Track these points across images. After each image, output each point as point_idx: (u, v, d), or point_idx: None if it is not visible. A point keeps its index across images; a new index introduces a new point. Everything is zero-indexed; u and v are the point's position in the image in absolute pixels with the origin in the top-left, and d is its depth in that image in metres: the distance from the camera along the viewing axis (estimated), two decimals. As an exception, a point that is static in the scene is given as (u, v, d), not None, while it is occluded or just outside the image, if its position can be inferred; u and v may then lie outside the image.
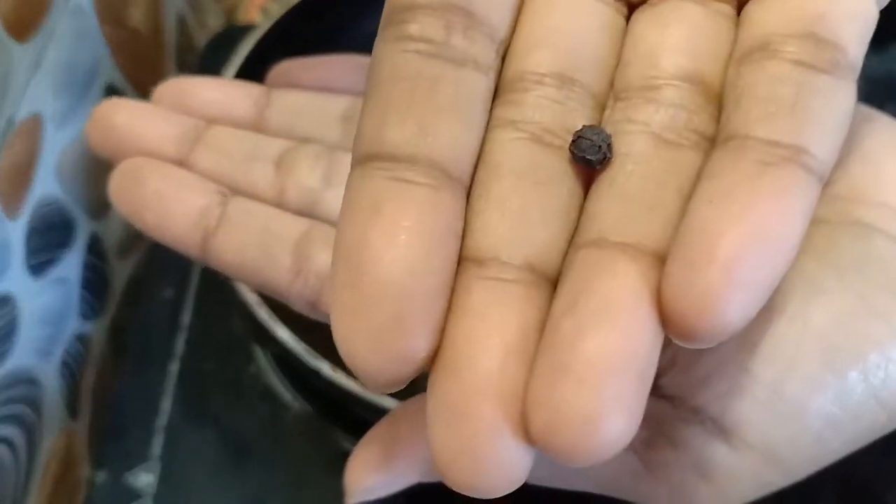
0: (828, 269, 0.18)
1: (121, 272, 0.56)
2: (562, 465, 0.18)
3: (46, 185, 0.45)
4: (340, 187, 0.21)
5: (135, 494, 0.43)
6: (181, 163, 0.23)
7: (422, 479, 0.20)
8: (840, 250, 0.18)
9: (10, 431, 0.41)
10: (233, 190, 0.23)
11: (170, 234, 0.22)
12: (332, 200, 0.23)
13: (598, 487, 0.19)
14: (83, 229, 0.50)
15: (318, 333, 0.48)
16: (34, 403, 0.44)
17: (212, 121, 0.24)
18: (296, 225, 0.22)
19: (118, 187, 0.23)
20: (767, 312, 0.17)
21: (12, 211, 0.41)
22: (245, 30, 0.51)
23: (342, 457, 0.47)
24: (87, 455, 0.51)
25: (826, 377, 0.17)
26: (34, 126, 0.43)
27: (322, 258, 0.21)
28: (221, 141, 0.24)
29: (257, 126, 0.25)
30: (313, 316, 0.23)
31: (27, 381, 0.43)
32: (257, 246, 0.22)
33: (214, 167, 0.23)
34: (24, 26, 0.41)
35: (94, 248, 0.52)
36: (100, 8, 0.50)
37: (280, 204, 0.23)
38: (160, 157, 0.23)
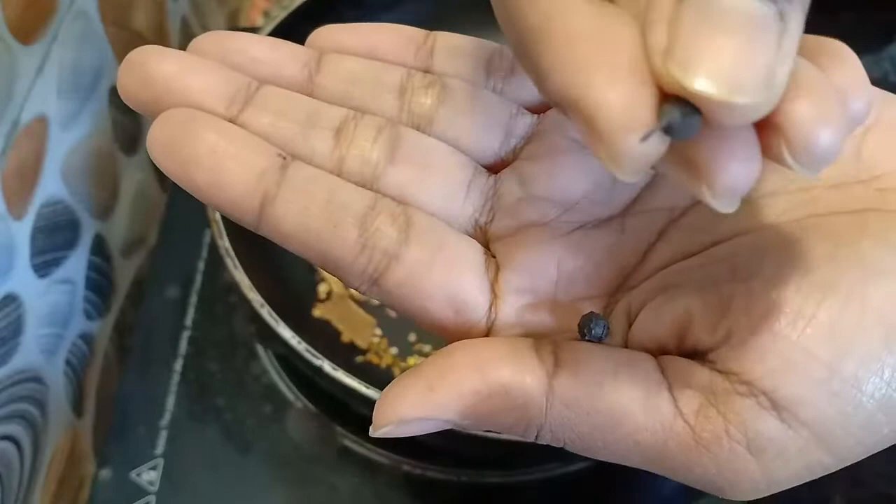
0: (885, 251, 0.18)
1: (125, 272, 0.57)
2: (612, 437, 0.18)
3: (52, 185, 0.45)
4: (404, 164, 0.21)
5: (139, 492, 0.43)
6: (232, 122, 0.21)
7: (458, 422, 0.19)
8: None
9: (15, 429, 0.42)
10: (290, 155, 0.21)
11: (224, 196, 0.20)
12: (395, 177, 0.21)
13: (646, 460, 0.19)
14: (88, 230, 0.50)
15: (319, 333, 0.49)
16: (39, 402, 0.44)
17: (260, 80, 0.22)
18: (361, 197, 0.21)
19: (162, 139, 0.20)
20: (825, 291, 0.17)
21: (18, 211, 0.42)
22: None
23: (343, 454, 0.47)
24: (92, 453, 0.51)
25: (884, 357, 0.17)
26: (40, 128, 0.43)
27: (390, 233, 0.20)
28: (276, 102, 0.22)
29: (307, 90, 0.23)
30: (370, 294, 0.21)
31: (32, 379, 0.44)
32: (321, 216, 0.20)
33: (270, 130, 0.21)
34: (29, 29, 0.41)
35: (99, 248, 0.52)
36: (104, 11, 0.50)
37: (339, 176, 0.21)
38: None
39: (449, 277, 0.20)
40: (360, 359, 0.47)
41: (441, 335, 0.21)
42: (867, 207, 0.19)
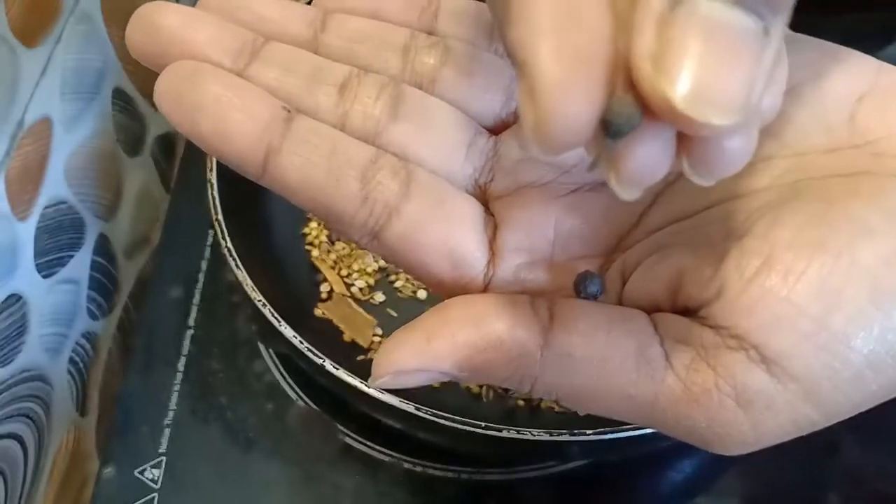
0: (876, 212, 0.18)
1: (129, 272, 0.57)
2: (604, 390, 0.19)
3: (56, 186, 0.46)
4: (406, 122, 0.22)
5: (142, 489, 0.44)
6: (238, 75, 0.21)
7: (454, 374, 0.19)
8: (888, 195, 0.18)
9: (19, 428, 0.42)
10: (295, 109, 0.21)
11: (229, 147, 0.20)
12: (397, 134, 0.22)
13: (637, 414, 0.19)
14: (92, 230, 0.51)
15: (320, 332, 0.49)
16: (43, 401, 0.45)
17: (266, 37, 0.23)
18: (363, 151, 0.21)
19: (169, 89, 0.20)
20: (815, 248, 0.18)
21: (22, 212, 0.42)
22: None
23: (345, 451, 0.48)
24: (96, 451, 0.51)
25: (872, 313, 0.17)
26: (44, 129, 0.44)
27: (391, 187, 0.20)
28: (282, 58, 0.22)
29: (312, 48, 0.23)
30: (371, 248, 0.21)
31: (36, 378, 0.44)
32: (324, 167, 0.20)
33: (275, 84, 0.22)
34: (32, 32, 0.41)
35: (103, 248, 0.52)
36: (107, 14, 0.51)
37: (342, 131, 0.22)
38: None
39: (448, 232, 0.21)
40: (361, 358, 0.47)
41: (439, 291, 0.22)
42: (861, 171, 0.19)
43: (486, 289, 0.21)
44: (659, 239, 0.21)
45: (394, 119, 0.22)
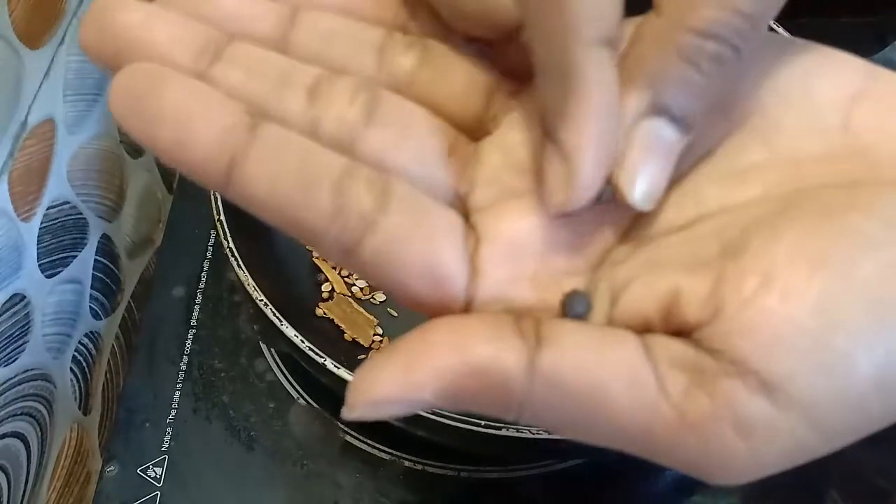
0: (876, 223, 0.17)
1: (131, 272, 0.57)
2: (595, 419, 0.18)
3: (59, 187, 0.46)
4: (382, 128, 0.20)
5: (145, 487, 0.44)
6: (199, 77, 0.20)
7: (435, 403, 0.18)
8: (887, 205, 0.18)
9: (23, 426, 0.43)
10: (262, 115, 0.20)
11: (189, 156, 0.18)
12: (372, 141, 0.20)
13: (630, 443, 0.18)
14: (95, 230, 0.51)
15: (322, 332, 0.49)
16: (47, 400, 0.45)
17: (232, 36, 0.21)
18: (336, 161, 0.19)
19: (124, 94, 0.19)
20: (815, 264, 0.17)
21: (26, 212, 0.42)
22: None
23: (345, 449, 0.48)
24: (99, 449, 0.52)
25: (876, 331, 0.16)
26: (47, 130, 0.44)
27: (366, 200, 0.19)
28: (247, 59, 0.20)
29: (281, 48, 0.22)
30: (346, 265, 0.19)
31: (40, 377, 0.44)
32: (293, 179, 0.19)
33: (240, 87, 0.20)
34: (36, 34, 0.42)
35: (106, 249, 0.53)
36: (110, 15, 0.51)
37: (313, 137, 0.20)
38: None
39: (428, 248, 0.19)
40: (362, 357, 0.47)
41: (419, 311, 0.20)
42: (856, 180, 0.19)
43: (467, 307, 0.20)
44: (650, 254, 0.20)
45: (368, 125, 0.20)
